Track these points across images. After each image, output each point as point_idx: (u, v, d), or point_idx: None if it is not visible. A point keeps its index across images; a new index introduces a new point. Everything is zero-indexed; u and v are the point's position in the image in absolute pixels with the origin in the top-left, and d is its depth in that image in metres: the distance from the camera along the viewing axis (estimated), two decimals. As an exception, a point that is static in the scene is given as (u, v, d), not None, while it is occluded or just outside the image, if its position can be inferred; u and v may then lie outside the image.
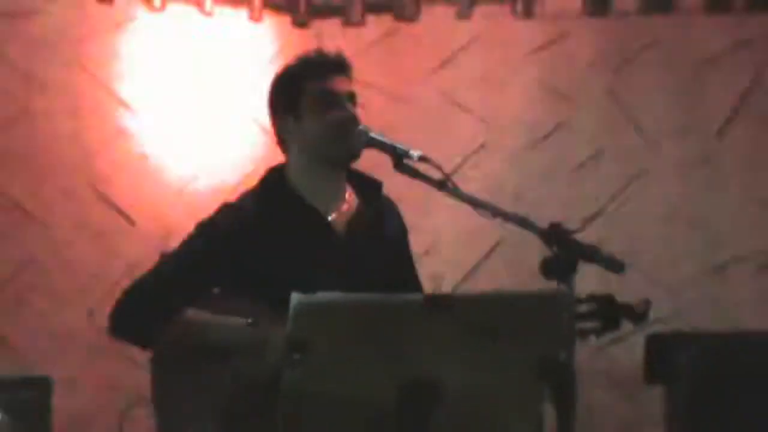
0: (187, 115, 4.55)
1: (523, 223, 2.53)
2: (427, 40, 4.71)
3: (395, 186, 2.94)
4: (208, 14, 4.61)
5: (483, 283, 4.47)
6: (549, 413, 2.37)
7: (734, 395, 3.78)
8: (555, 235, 2.45)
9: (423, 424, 2.25)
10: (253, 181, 2.94)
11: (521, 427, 2.40)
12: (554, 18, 4.59)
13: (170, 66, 4.51)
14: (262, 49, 4.71)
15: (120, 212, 4.37)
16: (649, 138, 4.51)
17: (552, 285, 2.38)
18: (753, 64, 4.42)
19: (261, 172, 2.95)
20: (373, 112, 2.91)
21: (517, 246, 4.32)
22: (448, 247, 4.55)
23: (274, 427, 2.23)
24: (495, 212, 2.59)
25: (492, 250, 4.54)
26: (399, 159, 2.68)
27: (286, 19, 4.78)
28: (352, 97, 2.83)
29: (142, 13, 4.47)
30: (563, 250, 2.42)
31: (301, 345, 2.16)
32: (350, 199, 2.88)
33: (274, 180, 2.87)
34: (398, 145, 2.70)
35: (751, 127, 4.43)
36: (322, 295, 2.20)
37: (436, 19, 4.70)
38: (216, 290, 2.79)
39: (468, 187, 2.67)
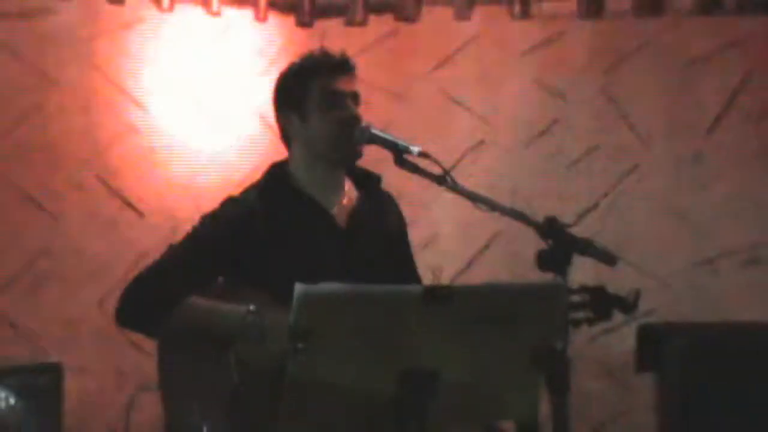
0: (194, 111, 4.54)
1: (520, 217, 2.52)
2: (427, 40, 4.71)
3: (395, 181, 2.94)
4: (215, 14, 4.60)
5: (480, 275, 4.47)
6: (544, 401, 2.38)
7: (722, 383, 3.78)
8: (550, 229, 2.45)
9: (421, 411, 2.25)
10: (258, 176, 2.94)
11: (517, 413, 2.41)
12: (550, 19, 4.58)
13: (178, 64, 4.51)
14: (266, 47, 4.70)
15: (129, 204, 4.37)
16: (641, 135, 4.51)
17: (547, 277, 2.38)
18: (741, 64, 4.42)
19: (265, 166, 2.95)
20: (375, 110, 2.91)
21: (514, 239, 4.32)
22: (447, 240, 4.55)
23: (278, 413, 2.23)
24: (492, 206, 2.59)
25: (489, 243, 4.54)
26: (400, 154, 2.68)
27: (290, 19, 4.77)
28: (355, 96, 2.82)
29: (151, 13, 4.46)
30: (558, 244, 2.42)
31: (304, 334, 2.16)
32: (350, 192, 2.88)
33: (277, 174, 2.87)
34: (399, 141, 2.69)
35: (740, 126, 4.43)
36: (325, 287, 2.19)
37: (435, 20, 4.69)
38: (221, 281, 2.79)
39: (466, 182, 2.67)
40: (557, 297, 2.32)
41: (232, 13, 4.65)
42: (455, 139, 4.58)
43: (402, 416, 2.24)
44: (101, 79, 4.34)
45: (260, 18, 4.70)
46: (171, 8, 4.48)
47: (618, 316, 2.65)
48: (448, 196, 2.70)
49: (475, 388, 2.29)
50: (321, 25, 4.76)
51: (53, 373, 3.67)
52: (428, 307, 2.20)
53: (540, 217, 2.48)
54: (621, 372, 4.25)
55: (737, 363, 3.79)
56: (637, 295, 2.61)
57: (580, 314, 2.61)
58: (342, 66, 2.84)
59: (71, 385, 3.81)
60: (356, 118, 2.79)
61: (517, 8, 4.57)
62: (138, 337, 2.88)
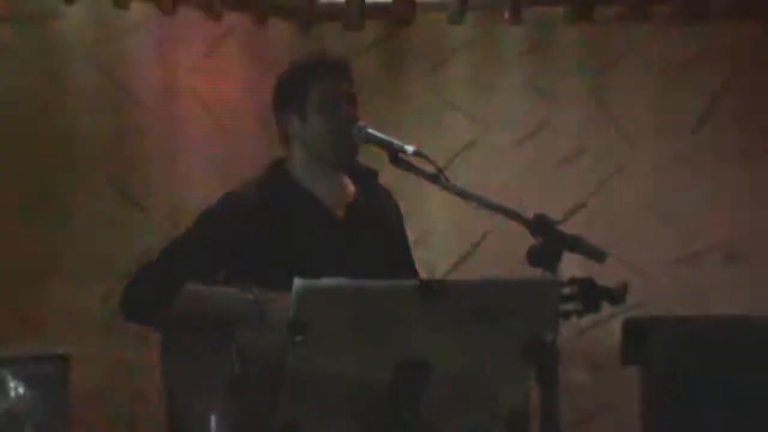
0: (196, 111, 4.53)
1: (512, 214, 2.52)
2: (422, 44, 4.71)
3: (390, 179, 2.93)
4: (217, 18, 4.59)
5: (472, 271, 4.46)
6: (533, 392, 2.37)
7: (705, 375, 3.78)
8: (541, 226, 2.44)
9: (415, 402, 2.25)
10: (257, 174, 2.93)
11: (508, 403, 2.40)
12: (540, 24, 4.58)
13: (181, 66, 4.50)
14: (266, 50, 4.69)
15: (133, 202, 4.36)
16: (627, 136, 4.50)
17: (538, 273, 2.38)
18: (722, 68, 4.41)
19: (264, 165, 2.94)
20: (370, 111, 2.90)
21: (504, 236, 4.28)
22: (440, 236, 4.55)
23: (277, 402, 2.22)
24: (486, 204, 2.59)
25: (481, 239, 4.53)
26: (395, 154, 2.68)
27: (290, 23, 4.77)
28: (352, 98, 2.82)
29: (154, 17, 4.45)
30: (549, 241, 2.42)
31: (302, 327, 2.16)
32: (348, 187, 2.88)
33: (276, 171, 2.87)
34: (394, 141, 2.69)
35: (722, 127, 4.43)
36: (323, 281, 2.19)
37: (430, 25, 4.69)
38: (221, 274, 2.78)
39: (458, 181, 2.66)
40: (548, 292, 2.32)
41: (233, 17, 4.64)
42: (448, 139, 4.57)
43: (397, 406, 2.24)
44: (106, 80, 4.32)
45: (260, 21, 4.70)
46: (174, 12, 4.47)
47: (605, 310, 2.64)
48: (441, 194, 2.70)
49: (467, 380, 2.29)
50: (319, 28, 4.76)
51: (61, 363, 3.67)
52: (423, 301, 2.20)
53: (530, 215, 2.48)
54: (607, 364, 4.24)
55: (720, 355, 3.78)
56: (625, 287, 2.61)
57: (569, 306, 2.60)
58: (339, 68, 2.84)
59: (76, 376, 3.80)
60: (353, 119, 2.79)
61: (508, 13, 4.57)
62: (142, 330, 2.86)
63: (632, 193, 4.47)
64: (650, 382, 3.91)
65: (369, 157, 2.86)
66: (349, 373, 2.22)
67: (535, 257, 2.40)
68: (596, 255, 2.44)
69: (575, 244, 2.42)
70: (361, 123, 2.78)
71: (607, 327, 4.14)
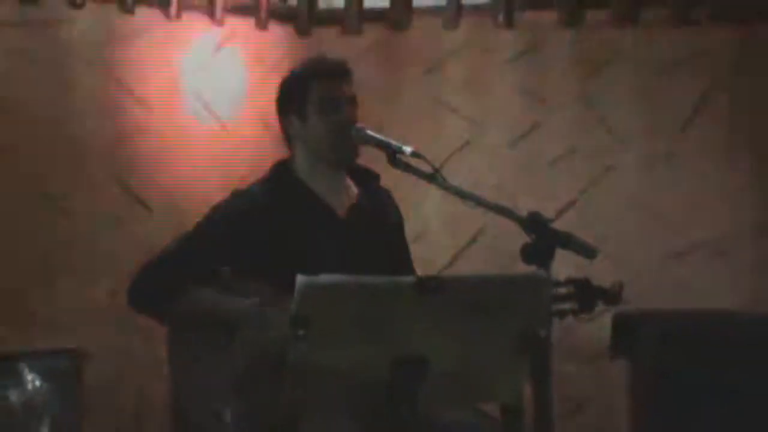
0: (200, 113, 4.53)
1: (506, 212, 2.52)
2: (418, 48, 4.70)
3: (387, 179, 2.94)
4: (219, 23, 4.59)
5: (466, 267, 4.46)
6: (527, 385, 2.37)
7: (691, 368, 3.78)
8: (534, 224, 2.44)
9: (412, 395, 2.24)
10: (260, 173, 2.93)
11: (503, 395, 2.40)
12: (532, 28, 4.58)
13: (185, 69, 4.50)
14: (267, 54, 4.69)
15: (139, 201, 4.36)
16: (616, 137, 4.50)
17: (531, 269, 2.38)
18: (709, 71, 4.41)
19: (266, 165, 2.94)
20: (368, 112, 2.90)
21: (498, 234, 4.32)
22: (435, 234, 4.55)
23: (280, 396, 2.22)
24: (480, 203, 2.58)
25: (475, 237, 4.54)
26: (393, 154, 2.68)
27: (290, 27, 4.77)
28: (352, 100, 2.82)
29: (159, 22, 4.45)
30: (542, 238, 2.41)
31: (304, 322, 2.15)
32: (350, 189, 2.88)
33: (281, 171, 2.87)
34: (392, 142, 2.69)
35: (708, 128, 4.43)
36: (325, 278, 2.19)
37: (425, 29, 4.69)
38: (227, 269, 2.78)
39: (453, 181, 2.66)
40: (541, 287, 2.32)
41: (235, 22, 4.64)
42: (443, 140, 4.58)
43: (395, 399, 2.24)
44: (113, 83, 4.32)
45: (261, 26, 4.70)
46: (178, 17, 4.47)
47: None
48: (437, 193, 2.70)
49: (463, 373, 2.29)
50: (318, 33, 4.76)
51: (74, 357, 3.70)
52: (420, 297, 2.20)
53: (523, 213, 2.48)
54: (597, 357, 4.24)
55: (706, 349, 3.79)
56: (620, 287, 2.60)
57: (565, 305, 2.60)
58: (340, 71, 2.84)
59: (85, 369, 3.81)
60: (353, 121, 2.79)
61: (501, 18, 4.57)
62: (148, 325, 2.86)
63: (621, 192, 4.47)
64: (638, 375, 3.92)
65: (368, 158, 2.86)
66: (348, 367, 2.22)
67: (528, 254, 2.40)
68: (587, 252, 2.43)
69: (568, 242, 2.41)
70: (360, 124, 2.78)
71: (597, 321, 4.14)
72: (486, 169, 4.54)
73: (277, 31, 4.74)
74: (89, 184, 4.24)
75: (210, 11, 4.57)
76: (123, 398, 4.10)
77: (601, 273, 2.79)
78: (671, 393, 3.78)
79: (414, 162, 2.65)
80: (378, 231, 2.86)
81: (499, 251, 4.32)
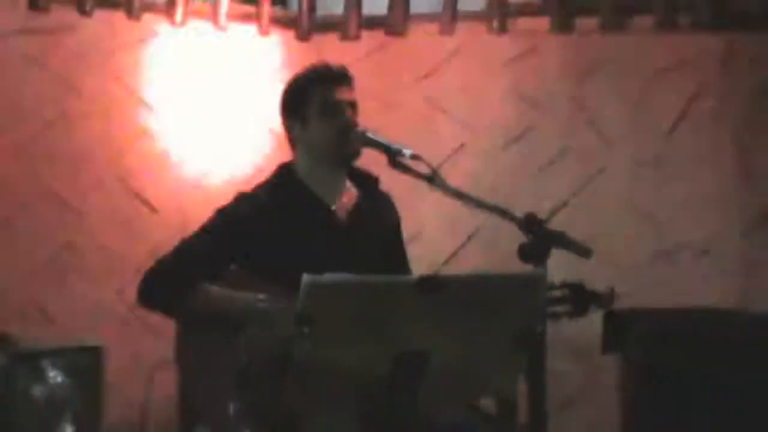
0: (203, 116, 4.54)
1: (504, 213, 2.52)
2: (414, 53, 4.71)
3: (385, 180, 2.94)
4: (222, 29, 4.60)
5: (462, 267, 4.46)
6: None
7: (680, 364, 3.78)
8: (530, 224, 2.44)
9: (412, 390, 2.25)
10: (262, 175, 2.94)
11: (499, 391, 2.41)
12: (525, 34, 4.58)
13: (189, 74, 4.50)
14: (269, 59, 4.70)
15: (145, 202, 4.36)
16: (606, 139, 4.51)
17: (527, 268, 2.38)
18: (696, 76, 4.42)
19: (268, 167, 2.95)
20: (367, 116, 2.90)
21: (493, 233, 4.32)
22: (432, 234, 4.55)
23: (283, 391, 2.23)
24: (478, 204, 2.59)
25: (470, 237, 4.54)
26: (393, 157, 2.68)
27: (291, 34, 4.77)
28: (353, 104, 2.83)
29: (164, 28, 4.45)
30: (538, 238, 2.42)
31: (308, 320, 2.15)
32: (351, 191, 2.88)
33: (284, 174, 2.87)
34: (392, 145, 2.69)
35: (695, 131, 4.43)
36: (329, 276, 2.19)
37: (422, 35, 4.69)
38: (233, 268, 2.78)
39: (449, 182, 2.66)
40: (537, 286, 2.32)
41: (237, 28, 4.65)
42: (439, 143, 4.57)
43: (395, 394, 2.24)
44: (120, 87, 4.32)
45: (263, 33, 4.70)
46: (183, 23, 4.48)
47: (589, 306, 2.65)
48: (433, 194, 2.70)
49: (462, 369, 2.29)
50: (318, 39, 4.77)
51: (95, 354, 3.71)
52: (421, 296, 2.20)
53: (518, 214, 2.48)
54: (588, 353, 4.24)
55: (696, 346, 3.79)
56: (613, 292, 2.61)
57: (560, 308, 2.61)
58: (340, 77, 2.85)
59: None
60: (354, 124, 2.79)
61: (495, 24, 4.57)
62: (155, 323, 2.86)
63: (612, 193, 4.48)
64: (629, 371, 3.92)
65: (367, 160, 2.86)
66: (351, 363, 2.22)
67: (525, 253, 2.40)
68: (582, 251, 2.44)
69: (563, 241, 2.42)
70: (361, 128, 2.78)
71: (589, 319, 4.14)
72: (480, 171, 4.55)
73: (277, 37, 4.74)
74: (97, 186, 4.24)
75: (213, 18, 4.57)
76: (131, 392, 4.10)
77: (591, 272, 2.79)
78: (661, 389, 3.78)
79: (413, 164, 2.66)
80: (376, 233, 2.87)
81: (494, 251, 4.33)
